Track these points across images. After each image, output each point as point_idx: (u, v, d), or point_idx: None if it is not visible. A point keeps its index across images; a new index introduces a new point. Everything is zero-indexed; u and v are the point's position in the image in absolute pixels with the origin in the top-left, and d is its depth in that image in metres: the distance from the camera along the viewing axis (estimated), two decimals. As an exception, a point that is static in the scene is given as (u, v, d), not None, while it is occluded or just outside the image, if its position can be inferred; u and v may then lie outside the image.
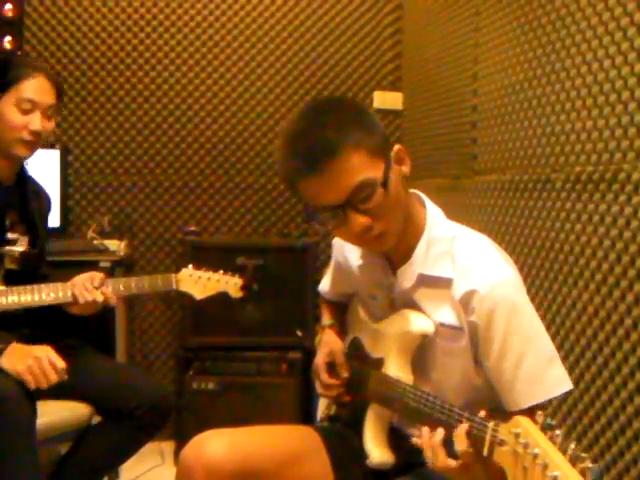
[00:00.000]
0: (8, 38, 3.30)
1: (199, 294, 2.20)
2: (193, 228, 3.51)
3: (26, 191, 2.28)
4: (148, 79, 3.59)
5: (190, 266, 2.22)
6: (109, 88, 3.57)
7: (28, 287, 2.07)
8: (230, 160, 3.65)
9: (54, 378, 1.90)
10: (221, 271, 2.23)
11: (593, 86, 1.97)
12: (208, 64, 3.62)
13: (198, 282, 2.19)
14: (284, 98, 3.65)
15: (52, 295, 2.08)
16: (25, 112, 2.15)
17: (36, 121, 2.15)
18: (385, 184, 1.38)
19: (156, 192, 3.62)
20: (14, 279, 2.13)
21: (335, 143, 1.35)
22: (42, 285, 2.08)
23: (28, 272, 2.20)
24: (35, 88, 2.16)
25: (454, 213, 1.59)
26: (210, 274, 2.21)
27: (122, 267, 3.27)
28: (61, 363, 1.91)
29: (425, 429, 1.31)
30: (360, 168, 1.36)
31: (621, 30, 1.86)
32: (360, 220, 1.38)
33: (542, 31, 2.24)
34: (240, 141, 3.65)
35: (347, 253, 1.68)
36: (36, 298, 2.06)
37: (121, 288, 2.14)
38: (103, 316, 2.35)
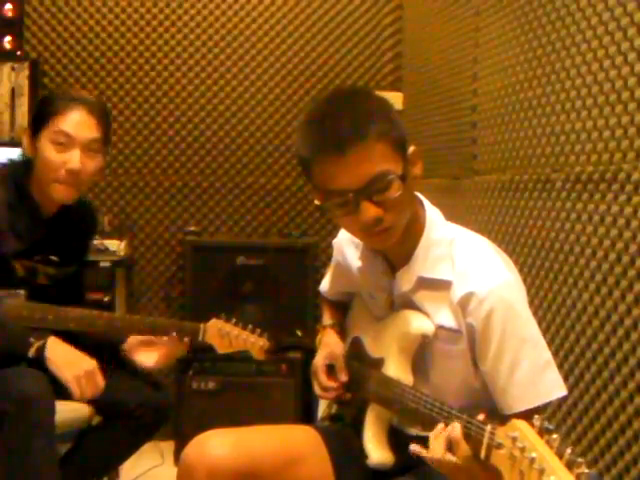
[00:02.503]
0: (8, 38, 3.31)
1: (222, 349, 2.08)
2: (193, 228, 3.51)
3: (66, 225, 2.12)
4: (148, 79, 3.59)
5: (223, 315, 2.09)
6: (109, 88, 3.57)
7: None
8: (230, 160, 3.65)
9: (94, 394, 1.90)
10: (250, 326, 2.08)
11: (593, 86, 1.97)
12: (208, 64, 3.62)
13: (225, 337, 2.06)
14: (284, 98, 3.65)
15: None
16: (62, 149, 1.96)
17: (74, 159, 1.95)
18: (404, 179, 1.38)
19: (156, 192, 3.62)
20: (40, 293, 2.05)
21: (366, 128, 1.35)
22: None
23: (56, 289, 2.14)
24: (72, 121, 1.96)
25: (454, 213, 1.59)
26: (238, 331, 2.07)
27: (122, 267, 3.28)
28: (102, 382, 1.91)
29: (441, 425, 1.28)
30: (383, 158, 1.36)
31: (621, 30, 1.86)
32: (372, 210, 1.37)
33: (542, 31, 2.24)
34: (240, 141, 3.65)
35: (347, 254, 1.68)
36: None
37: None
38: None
